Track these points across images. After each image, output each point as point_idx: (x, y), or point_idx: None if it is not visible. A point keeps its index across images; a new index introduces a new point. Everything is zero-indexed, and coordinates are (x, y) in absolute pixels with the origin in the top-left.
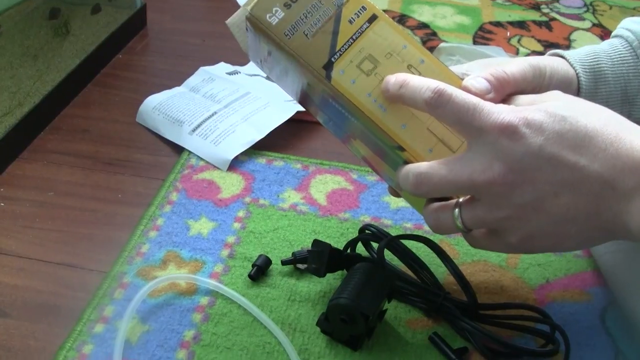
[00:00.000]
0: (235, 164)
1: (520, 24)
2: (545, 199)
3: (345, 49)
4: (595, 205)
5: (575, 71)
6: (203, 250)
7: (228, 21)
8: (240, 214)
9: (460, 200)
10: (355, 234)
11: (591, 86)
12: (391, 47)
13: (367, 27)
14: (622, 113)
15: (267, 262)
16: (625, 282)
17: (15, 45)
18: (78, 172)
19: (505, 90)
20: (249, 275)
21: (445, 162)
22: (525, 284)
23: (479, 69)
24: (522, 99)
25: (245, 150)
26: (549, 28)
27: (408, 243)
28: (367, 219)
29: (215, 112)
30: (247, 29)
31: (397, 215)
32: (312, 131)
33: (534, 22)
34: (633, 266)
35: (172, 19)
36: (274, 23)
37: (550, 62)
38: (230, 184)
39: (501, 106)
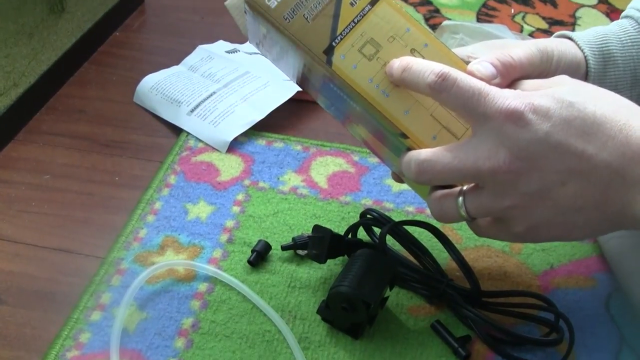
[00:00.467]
0: (234, 146)
1: (525, 1)
2: (552, 187)
3: (347, 33)
4: (603, 195)
5: (584, 54)
6: (201, 235)
7: (227, 3)
8: (240, 197)
9: (465, 188)
10: (356, 218)
11: (600, 69)
12: (394, 31)
13: (369, 10)
14: (631, 97)
15: (267, 247)
16: (630, 268)
17: (9, 22)
18: (74, 154)
19: (512, 75)
20: (248, 261)
21: (449, 149)
22: (529, 270)
23: (484, 52)
24: (529, 83)
25: (245, 131)
26: (554, 5)
27: (410, 228)
28: (368, 203)
29: (214, 92)
30: (245, 12)
31: (399, 198)
32: (313, 111)
33: None
34: (639, 252)
35: None
36: (272, 6)
37: (557, 45)
38: (230, 167)
39: (507, 91)
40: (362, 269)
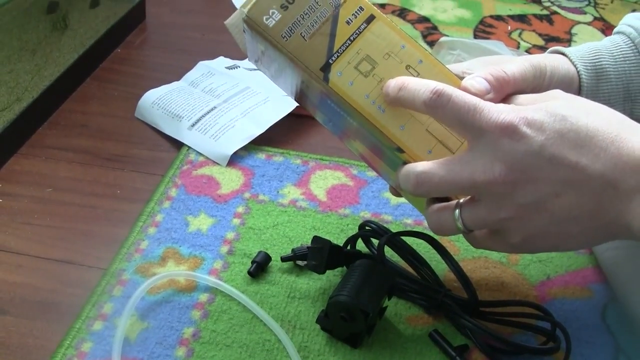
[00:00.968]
0: (234, 160)
1: (521, 18)
2: (547, 199)
3: (343, 50)
4: (597, 205)
5: (577, 69)
6: (202, 246)
7: (227, 22)
8: (240, 209)
9: (461, 201)
10: (355, 230)
11: (593, 84)
12: (389, 48)
13: (364, 28)
14: (624, 111)
15: (267, 258)
16: (626, 279)
17: (13, 39)
18: (76, 168)
19: (505, 91)
20: (249, 272)
21: (446, 162)
22: (526, 281)
23: (479, 67)
24: (523, 98)
25: (245, 146)
26: (550, 22)
27: (408, 239)
28: (367, 215)
29: (215, 107)
30: (244, 30)
31: (398, 211)
32: (312, 126)
33: (535, 15)
34: (634, 263)
35: (171, 13)
36: (270, 25)
37: (551, 61)
38: (230, 180)
39: (501, 106)
40: (361, 279)
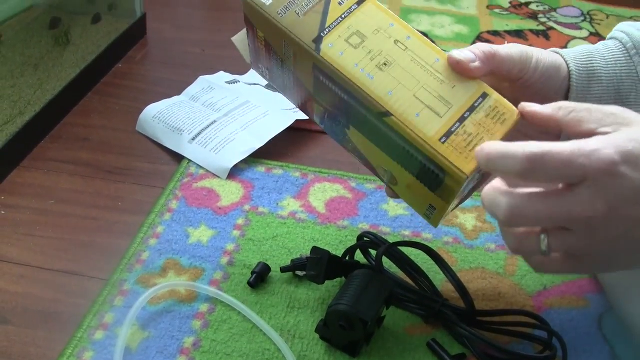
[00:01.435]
0: (234, 172)
1: (518, 33)
2: (634, 228)
3: (335, 26)
4: None
5: (569, 68)
6: (202, 257)
7: (234, 38)
8: (240, 221)
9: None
10: (353, 242)
11: (584, 85)
12: (378, 25)
13: (355, 8)
14: None
15: (267, 269)
16: (622, 288)
17: (16, 54)
18: (78, 180)
19: (491, 64)
20: (249, 283)
21: (542, 197)
22: (523, 291)
23: None
24: (602, 110)
25: (245, 159)
26: (547, 37)
27: (406, 250)
28: (365, 227)
29: (215, 121)
30: (247, 33)
31: (396, 222)
32: (311, 140)
33: (532, 31)
34: (630, 273)
35: (172, 29)
36: (267, 4)
37: (538, 50)
38: (230, 192)
39: (590, 143)
40: (360, 289)
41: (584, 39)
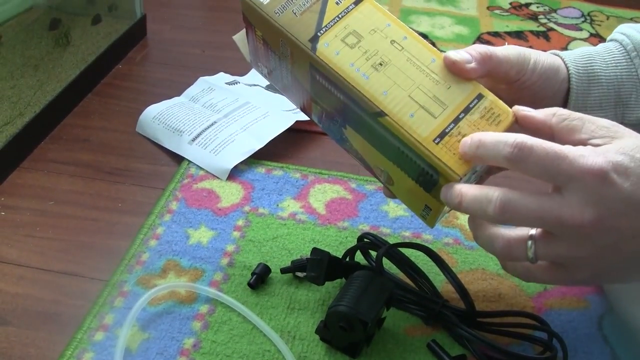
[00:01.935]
0: (234, 173)
1: (518, 34)
2: (624, 240)
3: (331, 26)
4: None
5: (568, 71)
6: (203, 258)
7: (235, 36)
8: (240, 222)
9: (533, 232)
10: (354, 243)
11: (584, 87)
12: (375, 25)
13: (353, 8)
14: (615, 115)
15: (267, 270)
16: (623, 289)
17: (16, 55)
18: (78, 181)
19: (487, 65)
20: (249, 284)
21: (535, 196)
22: (523, 292)
23: None
24: (595, 122)
25: (245, 160)
26: (547, 38)
27: (406, 251)
28: (365, 228)
29: (215, 122)
30: (247, 33)
31: (396, 224)
32: (311, 141)
33: (532, 32)
34: None
35: (172, 29)
36: (265, 3)
37: (536, 52)
38: (230, 193)
39: (582, 149)
40: (360, 290)
41: (584, 40)
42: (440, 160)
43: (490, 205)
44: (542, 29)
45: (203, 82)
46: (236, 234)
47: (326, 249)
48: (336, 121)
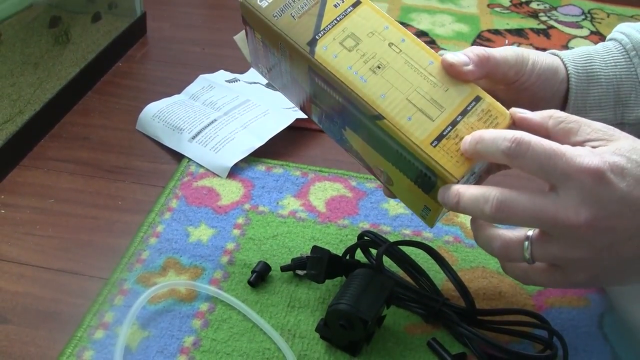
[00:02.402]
0: (234, 171)
1: (519, 32)
2: (620, 241)
3: (329, 29)
4: None
5: (567, 71)
6: (203, 256)
7: (235, 37)
8: (240, 220)
9: (530, 233)
10: (354, 241)
11: (583, 87)
12: (373, 28)
13: (351, 11)
14: (615, 115)
15: (267, 268)
16: (623, 288)
17: (15, 53)
18: (78, 180)
19: (485, 67)
20: (249, 282)
21: (530, 195)
22: (524, 290)
23: None
24: (591, 125)
25: (245, 158)
26: (547, 36)
27: (407, 249)
28: (366, 226)
29: (215, 120)
30: (246, 34)
31: (396, 221)
32: (311, 139)
33: (532, 29)
34: None
35: (172, 27)
36: (263, 6)
37: (535, 52)
38: (230, 191)
39: (579, 149)
40: (360, 288)
41: (585, 37)
42: (438, 163)
43: (487, 204)
44: (542, 26)
45: (203, 79)
46: (236, 232)
47: (326, 247)
48: (336, 122)
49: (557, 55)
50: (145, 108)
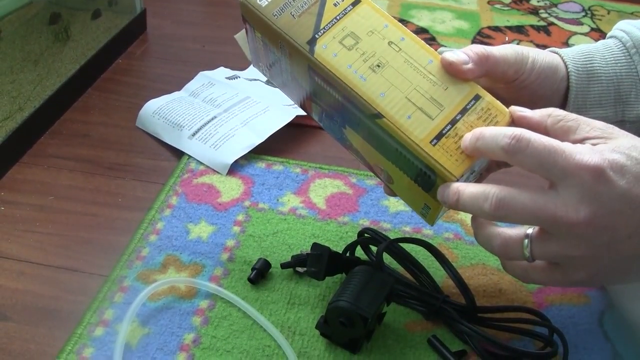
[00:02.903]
0: (234, 168)
1: (519, 29)
2: (620, 239)
3: (329, 28)
4: None
5: (567, 69)
6: (203, 254)
7: (236, 35)
8: (240, 217)
9: (529, 231)
10: (354, 238)
11: (583, 85)
12: (373, 26)
13: (350, 9)
14: (615, 112)
15: (267, 265)
16: (623, 285)
17: (15, 50)
18: (78, 177)
19: (484, 65)
20: (249, 279)
21: (529, 192)
22: (524, 287)
23: None
24: (590, 124)
25: (245, 155)
26: (547, 33)
27: (407, 246)
28: (366, 223)
29: (215, 117)
30: (246, 32)
31: (396, 218)
32: (312, 135)
33: (532, 26)
34: None
35: (172, 24)
36: (263, 5)
37: (535, 50)
38: (230, 188)
39: (579, 146)
40: (360, 285)
41: (585, 34)
42: (437, 161)
43: (487, 202)
44: (542, 23)
45: (203, 76)
46: (236, 229)
47: (326, 244)
48: (336, 121)
49: (557, 53)
50: (145, 105)
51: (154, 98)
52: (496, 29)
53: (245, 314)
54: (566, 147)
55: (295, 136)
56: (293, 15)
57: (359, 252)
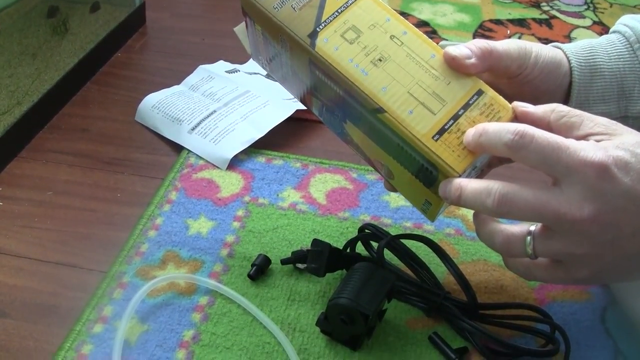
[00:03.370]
0: (234, 163)
1: (521, 22)
2: (623, 237)
3: (330, 21)
4: None
5: (570, 64)
6: (202, 249)
7: (235, 28)
8: (240, 213)
9: (532, 228)
10: (354, 233)
11: (586, 80)
12: (375, 20)
13: (352, 3)
14: (619, 108)
15: (267, 261)
16: (627, 282)
17: (13, 43)
18: (77, 172)
19: (487, 60)
20: (249, 275)
21: (533, 189)
22: (526, 284)
23: None
24: (594, 120)
25: (245, 149)
26: (549, 26)
27: (408, 242)
28: (366, 218)
29: (215, 111)
30: (246, 26)
31: (397, 214)
32: (312, 130)
33: (534, 19)
34: None
35: (171, 17)
36: None
37: (537, 45)
38: (230, 183)
39: (583, 143)
40: (361, 282)
41: (587, 27)
42: (439, 157)
43: (490, 198)
44: (544, 16)
45: (203, 70)
46: (236, 224)
47: (327, 240)
48: (336, 115)
49: (559, 48)
50: (145, 99)
51: (153, 92)
52: (498, 22)
53: (245, 311)
54: (570, 143)
55: (296, 130)
56: (294, 8)
57: (360, 248)
